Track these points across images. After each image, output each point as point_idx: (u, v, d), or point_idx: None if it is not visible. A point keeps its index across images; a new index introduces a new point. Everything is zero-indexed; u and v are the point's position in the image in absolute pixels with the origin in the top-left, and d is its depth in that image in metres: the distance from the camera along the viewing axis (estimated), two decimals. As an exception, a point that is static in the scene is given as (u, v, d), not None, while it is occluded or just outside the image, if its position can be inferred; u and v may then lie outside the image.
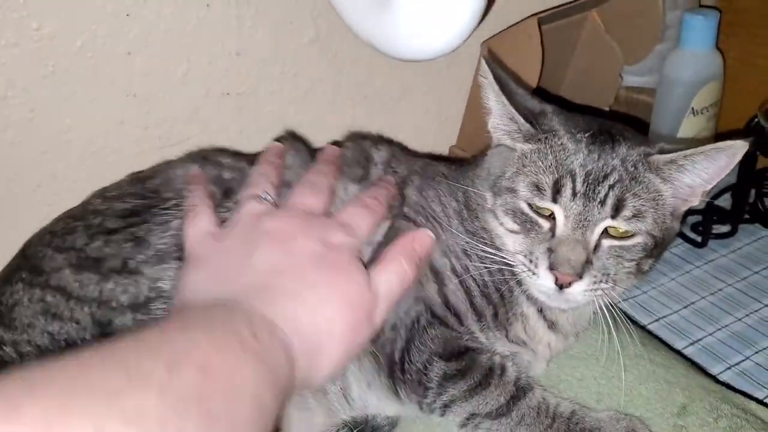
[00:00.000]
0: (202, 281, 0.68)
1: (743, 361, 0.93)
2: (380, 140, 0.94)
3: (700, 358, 0.94)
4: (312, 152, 0.90)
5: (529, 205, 0.75)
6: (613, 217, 0.72)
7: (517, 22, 1.05)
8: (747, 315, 1.01)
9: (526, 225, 0.75)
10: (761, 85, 1.20)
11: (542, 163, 0.75)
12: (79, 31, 0.86)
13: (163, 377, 0.46)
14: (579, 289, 0.72)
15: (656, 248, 0.76)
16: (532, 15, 1.02)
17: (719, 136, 1.24)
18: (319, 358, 0.63)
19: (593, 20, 1.12)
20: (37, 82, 0.87)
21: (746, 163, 1.15)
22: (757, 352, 0.94)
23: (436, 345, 0.73)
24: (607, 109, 1.25)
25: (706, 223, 1.14)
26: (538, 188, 0.74)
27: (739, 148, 0.71)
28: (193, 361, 0.49)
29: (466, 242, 0.79)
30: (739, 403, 0.78)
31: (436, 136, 1.20)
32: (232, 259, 0.69)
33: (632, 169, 0.73)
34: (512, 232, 0.77)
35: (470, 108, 1.16)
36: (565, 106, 0.84)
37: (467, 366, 0.72)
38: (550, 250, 0.73)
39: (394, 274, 0.71)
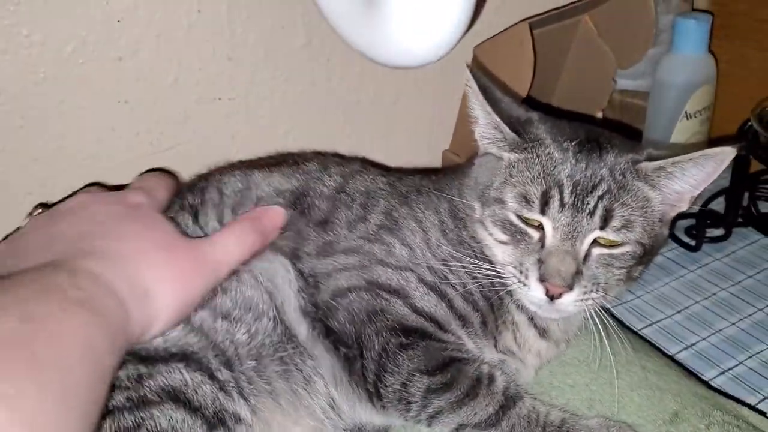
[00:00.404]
0: (11, 257, 0.67)
1: (737, 365, 0.93)
2: (337, 163, 0.91)
3: (693, 362, 0.93)
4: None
5: (518, 216, 0.75)
6: (602, 228, 0.72)
7: (509, 27, 1.04)
8: (741, 319, 1.00)
9: (516, 236, 0.75)
10: (754, 88, 1.20)
11: (530, 173, 0.74)
12: (70, 37, 0.86)
13: None
14: (570, 300, 0.72)
15: (646, 255, 0.76)
16: (524, 20, 1.02)
17: (712, 142, 1.24)
18: (152, 302, 0.65)
19: (586, 24, 1.12)
20: (27, 89, 0.86)
21: (739, 167, 1.15)
22: (750, 357, 0.94)
23: (415, 363, 0.72)
24: (600, 114, 1.25)
25: (700, 226, 1.14)
26: (526, 200, 0.74)
27: (727, 154, 0.71)
28: (13, 312, 0.52)
29: (450, 254, 0.79)
30: (730, 410, 0.78)
31: (430, 140, 1.19)
32: (39, 236, 0.69)
33: (620, 177, 0.73)
34: (501, 242, 0.77)
35: (463, 113, 1.15)
36: (553, 113, 0.83)
37: (453, 378, 0.71)
38: (540, 261, 0.73)
39: (232, 237, 0.75)
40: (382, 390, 0.72)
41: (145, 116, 0.95)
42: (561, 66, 1.17)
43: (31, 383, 0.49)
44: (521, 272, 0.74)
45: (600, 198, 0.71)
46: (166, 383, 0.66)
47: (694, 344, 0.96)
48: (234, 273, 0.76)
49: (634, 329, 0.98)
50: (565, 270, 0.71)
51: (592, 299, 0.74)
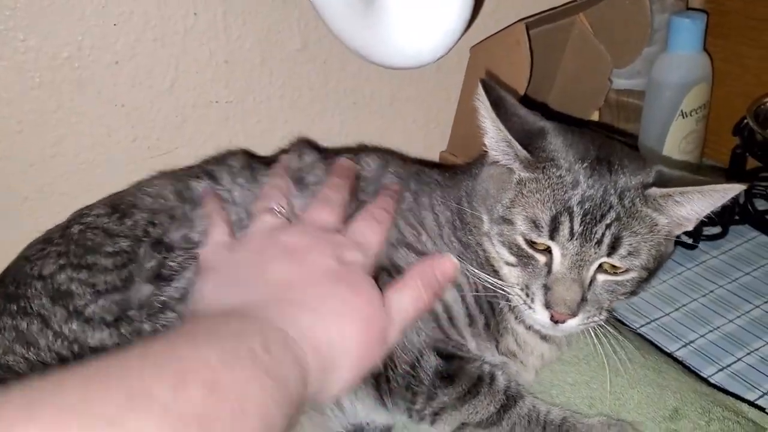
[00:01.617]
0: (214, 290, 0.67)
1: (735, 362, 0.93)
2: (369, 150, 0.93)
3: (692, 360, 0.93)
4: (323, 156, 0.90)
5: (526, 240, 0.74)
6: (609, 255, 0.72)
7: (505, 27, 1.04)
8: (738, 316, 1.01)
9: (523, 259, 0.75)
10: (750, 86, 1.20)
11: (540, 195, 0.73)
12: (66, 42, 0.86)
13: (167, 398, 0.44)
14: (574, 324, 0.73)
15: (650, 275, 0.76)
16: (520, 20, 1.02)
17: (707, 142, 1.24)
18: (332, 374, 0.62)
19: (581, 24, 1.12)
20: (23, 94, 0.87)
21: (736, 165, 1.15)
22: (749, 353, 0.94)
23: (425, 339, 0.72)
24: (597, 113, 1.25)
25: (697, 224, 1.14)
26: (535, 224, 0.73)
27: (735, 189, 0.71)
28: (200, 378, 0.47)
29: (461, 252, 0.79)
30: (730, 406, 0.78)
31: (427, 141, 1.20)
32: (246, 269, 0.68)
33: (629, 205, 0.72)
34: (508, 264, 0.77)
35: (460, 113, 1.16)
36: (547, 113, 0.83)
37: (456, 371, 0.72)
38: (546, 288, 0.73)
39: (408, 297, 0.70)
40: (391, 372, 0.72)
41: (141, 120, 0.95)
42: (557, 65, 1.17)
43: None
44: (527, 295, 0.75)
45: (608, 226, 0.71)
46: None
47: (692, 341, 0.97)
48: None
49: (633, 327, 0.98)
50: (570, 299, 0.72)
51: (595, 321, 0.75)
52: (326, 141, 1.10)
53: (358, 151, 0.95)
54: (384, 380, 0.73)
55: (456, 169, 0.91)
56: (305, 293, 0.65)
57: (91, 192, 0.91)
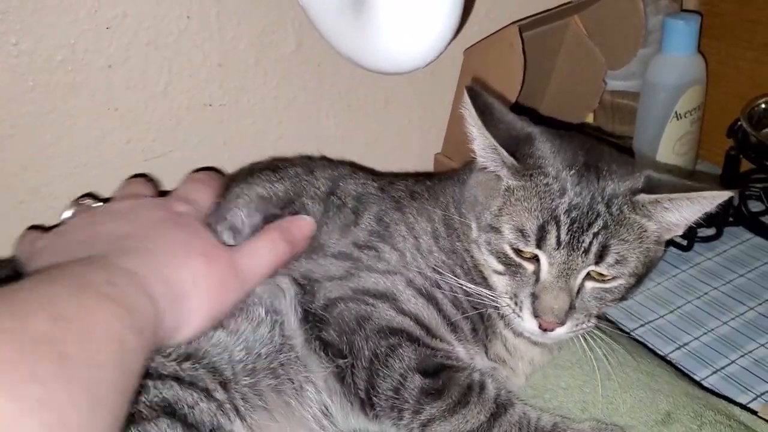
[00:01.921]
0: (52, 253, 0.68)
1: (729, 365, 0.93)
2: (325, 166, 0.91)
3: (686, 362, 0.94)
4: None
5: (513, 248, 0.75)
6: (597, 263, 0.72)
7: (498, 30, 1.05)
8: (733, 318, 1.01)
9: (511, 268, 0.76)
10: (744, 88, 1.21)
11: (527, 203, 0.73)
12: (59, 45, 0.86)
13: (14, 326, 0.49)
14: (562, 332, 0.74)
15: (639, 281, 0.76)
16: (513, 22, 1.02)
17: (703, 142, 1.24)
18: (186, 305, 0.65)
19: (575, 26, 1.13)
20: (17, 98, 0.86)
21: (730, 167, 1.15)
22: (743, 356, 0.94)
23: (406, 362, 0.72)
24: (591, 115, 1.25)
25: (691, 226, 1.14)
26: (522, 233, 0.73)
27: (723, 196, 0.71)
28: (46, 310, 0.52)
29: (442, 261, 0.79)
30: (722, 409, 0.78)
31: (421, 144, 1.20)
32: (82, 232, 0.70)
33: (617, 213, 0.72)
34: (496, 272, 0.77)
35: (454, 116, 1.16)
36: (536, 118, 0.83)
37: (444, 385, 0.71)
38: (534, 296, 0.73)
39: (263, 242, 0.76)
40: (374, 398, 0.72)
41: (135, 124, 0.95)
42: (551, 68, 1.17)
43: (62, 384, 0.49)
44: (516, 303, 0.75)
45: (596, 235, 0.71)
46: (163, 397, 0.66)
47: (686, 344, 0.97)
48: None
49: (627, 330, 0.98)
50: (558, 307, 0.72)
51: (584, 328, 0.75)
52: (320, 144, 1.10)
53: (314, 160, 0.96)
54: (368, 405, 0.73)
55: (441, 176, 0.91)
56: (142, 240, 0.68)
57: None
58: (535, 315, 0.73)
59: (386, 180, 0.90)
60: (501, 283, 0.77)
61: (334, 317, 0.75)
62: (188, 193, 0.82)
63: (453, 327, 0.78)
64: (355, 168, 0.95)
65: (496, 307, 0.77)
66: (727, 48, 1.25)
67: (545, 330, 0.73)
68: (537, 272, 0.74)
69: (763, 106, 1.15)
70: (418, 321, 0.76)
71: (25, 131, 0.88)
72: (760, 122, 1.14)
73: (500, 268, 0.76)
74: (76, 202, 0.81)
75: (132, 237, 0.68)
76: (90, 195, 0.83)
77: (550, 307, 0.72)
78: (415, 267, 0.79)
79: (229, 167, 1.01)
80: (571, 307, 0.73)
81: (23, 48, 0.84)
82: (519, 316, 0.75)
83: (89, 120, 0.92)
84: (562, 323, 0.73)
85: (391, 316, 0.75)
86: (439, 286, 0.78)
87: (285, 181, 0.87)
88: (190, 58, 0.95)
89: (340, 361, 0.74)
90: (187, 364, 0.69)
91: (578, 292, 0.73)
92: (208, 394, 0.68)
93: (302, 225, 0.81)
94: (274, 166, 0.90)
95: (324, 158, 1.05)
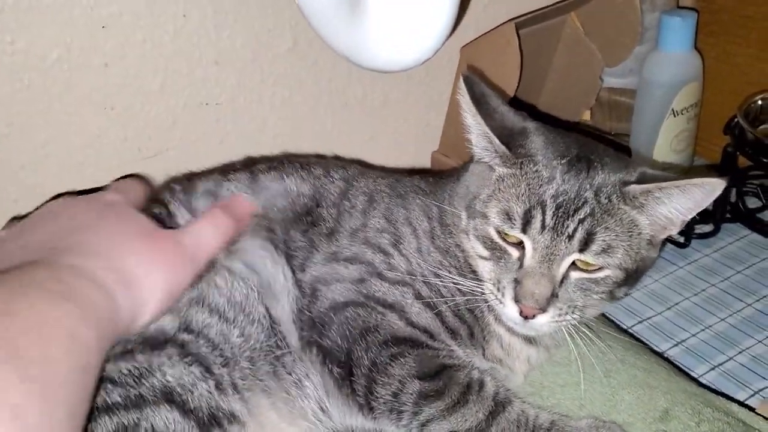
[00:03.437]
0: None
1: (727, 361, 0.93)
2: (337, 166, 0.91)
3: (684, 359, 0.94)
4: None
5: (498, 232, 0.75)
6: (581, 251, 0.72)
7: (495, 27, 1.04)
8: (730, 315, 1.01)
9: (496, 252, 0.76)
10: (740, 84, 1.21)
11: (515, 190, 0.74)
12: (54, 44, 0.86)
13: None
14: (543, 321, 0.74)
15: (629, 278, 0.75)
16: (510, 19, 1.02)
17: (700, 138, 1.24)
18: (139, 288, 0.65)
19: (572, 23, 1.13)
20: (12, 97, 0.86)
21: (727, 163, 1.15)
22: (740, 352, 0.95)
23: (406, 369, 0.72)
24: (588, 113, 1.26)
25: (689, 222, 1.14)
26: (508, 216, 0.74)
27: (714, 185, 0.70)
28: None
29: (439, 261, 0.80)
30: (720, 406, 0.78)
31: (418, 142, 1.19)
32: (12, 245, 0.68)
33: (605, 201, 0.72)
34: (482, 258, 0.77)
35: (451, 114, 1.16)
36: (534, 114, 0.83)
37: (444, 385, 0.72)
38: (517, 281, 0.73)
39: (206, 220, 0.77)
40: (373, 402, 0.72)
41: (132, 122, 0.95)
42: (548, 65, 1.17)
43: (16, 378, 0.49)
44: (498, 290, 0.75)
45: (581, 221, 0.71)
46: (163, 382, 0.67)
47: (684, 340, 0.97)
48: (230, 274, 0.76)
49: (625, 326, 0.98)
50: (539, 293, 0.72)
51: (567, 320, 0.75)
52: (317, 142, 1.10)
53: (329, 161, 0.95)
54: (367, 408, 0.73)
55: (441, 174, 0.91)
56: (81, 234, 0.67)
57: (82, 193, 0.91)
58: (516, 300, 0.73)
59: (395, 177, 0.91)
60: (486, 269, 0.77)
61: (339, 321, 0.75)
62: (116, 186, 0.83)
63: (453, 334, 0.78)
64: (365, 166, 0.95)
65: (485, 300, 0.77)
66: (724, 45, 1.25)
67: (526, 317, 0.73)
68: (521, 258, 0.74)
69: (759, 102, 1.15)
70: (423, 329, 0.77)
71: (21, 130, 0.88)
72: (756, 119, 1.14)
73: (485, 253, 0.77)
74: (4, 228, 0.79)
75: (66, 233, 0.68)
76: (16, 218, 0.80)
77: (531, 292, 0.72)
78: (419, 274, 0.79)
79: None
80: (554, 295, 0.72)
81: (19, 47, 0.84)
82: (501, 302, 0.75)
83: (85, 119, 0.91)
84: (543, 310, 0.72)
85: (398, 327, 0.76)
86: (441, 295, 0.78)
87: (312, 182, 0.87)
88: (187, 56, 0.95)
89: (337, 370, 0.74)
90: (186, 336, 0.71)
91: (563, 281, 0.73)
92: (207, 370, 0.69)
93: (242, 202, 0.82)
94: (297, 163, 0.89)
95: (336, 158, 1.06)
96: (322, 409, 0.76)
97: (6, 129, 0.87)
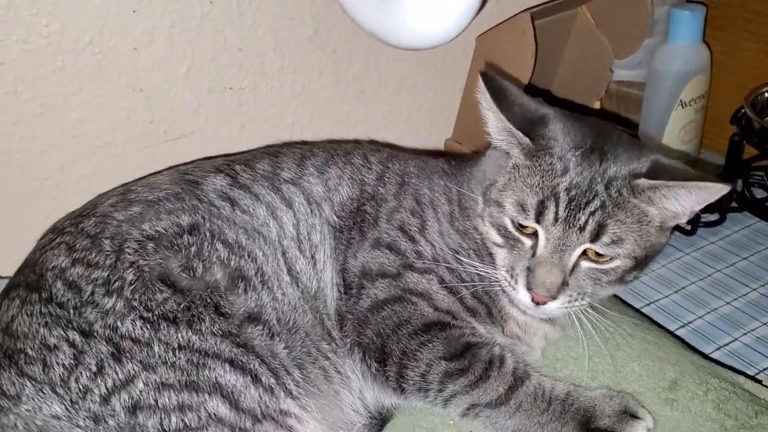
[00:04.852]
0: None
1: (732, 342, 0.96)
2: (372, 151, 0.94)
3: (690, 339, 0.97)
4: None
5: (513, 222, 0.77)
6: (593, 241, 0.74)
7: (510, 17, 1.07)
8: (735, 299, 1.04)
9: (510, 241, 0.78)
10: (747, 77, 1.23)
11: (530, 180, 0.76)
12: (87, 27, 0.89)
13: None
14: (554, 306, 0.76)
15: (639, 264, 0.78)
16: (525, 10, 1.05)
17: (707, 131, 1.27)
18: None
19: (584, 16, 1.15)
20: (46, 78, 0.89)
21: (734, 153, 1.18)
22: (745, 333, 0.97)
23: (433, 352, 0.77)
24: (598, 103, 1.28)
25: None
26: (522, 207, 0.76)
27: (719, 189, 0.73)
28: None
29: (459, 244, 0.83)
30: (727, 377, 0.81)
31: (432, 129, 1.22)
32: None
33: (616, 194, 0.74)
34: (497, 245, 0.80)
35: (465, 101, 1.18)
36: (550, 99, 0.85)
37: (469, 363, 0.76)
38: (529, 270, 0.76)
39: None
40: (404, 384, 0.77)
41: (158, 105, 0.98)
42: (560, 56, 1.20)
43: None
44: (512, 276, 0.78)
45: (592, 214, 0.73)
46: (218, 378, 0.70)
47: (690, 322, 1.00)
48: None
49: (635, 307, 1.01)
50: (550, 282, 0.75)
51: (577, 306, 0.77)
52: (335, 127, 1.13)
53: (363, 145, 0.97)
54: (399, 390, 0.78)
55: (464, 157, 0.94)
56: None
57: (109, 172, 0.94)
58: (528, 288, 0.76)
59: (424, 159, 0.93)
60: (500, 256, 0.80)
61: (376, 321, 0.79)
62: None
63: (473, 313, 0.82)
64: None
65: (498, 282, 0.80)
66: (732, 39, 1.27)
67: (537, 303, 0.76)
68: (534, 247, 0.76)
69: (766, 94, 1.18)
70: (447, 312, 0.80)
71: (53, 110, 0.91)
72: (763, 110, 1.17)
73: (500, 240, 0.79)
74: None
75: None
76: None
77: (542, 281, 0.75)
78: (442, 259, 0.83)
79: (247, 149, 1.03)
80: (564, 284, 0.75)
81: (53, 29, 0.87)
82: (514, 288, 0.78)
83: (114, 101, 0.95)
84: (553, 298, 0.75)
85: (428, 313, 0.80)
86: (462, 279, 0.82)
87: (356, 180, 0.89)
88: (212, 42, 0.98)
89: (375, 365, 0.79)
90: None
91: (573, 270, 0.76)
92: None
93: None
94: (337, 152, 0.92)
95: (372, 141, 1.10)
96: (360, 399, 0.81)
97: (39, 109, 0.90)
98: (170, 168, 0.91)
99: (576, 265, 0.76)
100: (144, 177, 0.89)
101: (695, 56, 1.19)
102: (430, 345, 0.77)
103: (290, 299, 0.79)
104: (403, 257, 0.82)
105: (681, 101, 1.20)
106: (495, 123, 0.79)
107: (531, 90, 0.98)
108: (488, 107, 0.78)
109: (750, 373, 0.91)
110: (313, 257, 0.83)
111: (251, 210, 0.82)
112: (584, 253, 0.75)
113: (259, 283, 0.77)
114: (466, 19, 0.80)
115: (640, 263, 0.78)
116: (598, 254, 0.75)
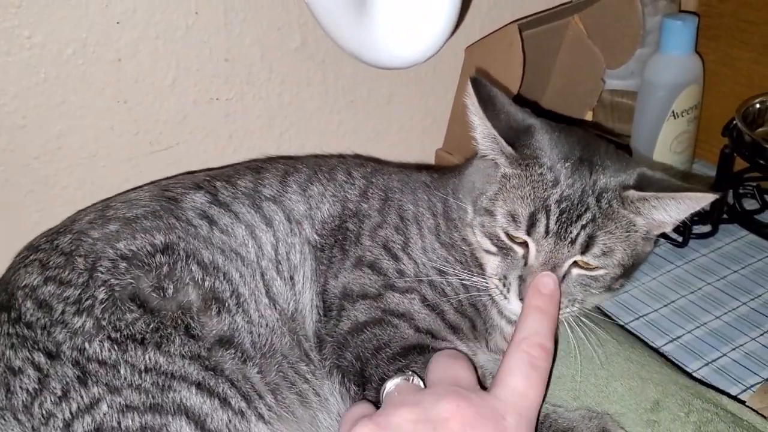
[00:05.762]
0: None
1: (720, 357, 0.95)
2: (356, 165, 0.93)
3: (678, 354, 0.96)
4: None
5: (505, 233, 0.77)
6: (583, 252, 0.74)
7: (499, 28, 1.07)
8: (725, 313, 1.03)
9: (502, 250, 0.78)
10: (740, 88, 1.22)
11: (521, 191, 0.76)
12: (70, 39, 0.89)
13: None
14: None
15: (626, 272, 0.79)
16: (514, 21, 1.05)
17: (700, 140, 1.26)
18: None
19: (575, 26, 1.15)
20: (28, 90, 0.89)
21: (724, 165, 1.17)
22: (734, 349, 0.96)
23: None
24: (590, 113, 1.27)
25: (687, 223, 1.16)
26: (513, 219, 0.76)
27: (707, 199, 0.74)
28: None
29: (444, 258, 0.82)
30: (710, 398, 0.80)
31: (423, 139, 1.22)
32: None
33: (606, 207, 0.74)
34: (489, 253, 0.80)
35: (456, 112, 1.18)
36: (538, 110, 0.85)
37: None
38: (522, 279, 0.76)
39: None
40: (368, 393, 0.76)
41: (143, 116, 0.97)
42: (551, 67, 1.19)
43: None
44: (504, 285, 0.78)
45: (583, 227, 0.73)
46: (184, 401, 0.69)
47: (679, 337, 0.99)
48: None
49: (621, 323, 1.00)
50: None
51: (567, 313, 0.78)
52: (324, 139, 1.12)
53: (347, 160, 0.97)
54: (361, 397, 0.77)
55: (445, 169, 0.94)
56: None
57: (93, 185, 0.94)
58: (521, 297, 0.75)
59: (407, 172, 0.93)
60: (492, 264, 0.80)
61: (355, 344, 0.78)
62: (515, 391, 0.65)
63: (454, 330, 0.81)
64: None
65: (488, 292, 0.80)
66: (724, 48, 1.26)
67: None
68: (526, 256, 0.76)
69: (758, 105, 1.17)
70: (428, 332, 0.79)
71: (36, 122, 0.91)
72: (754, 122, 1.16)
73: (492, 249, 0.79)
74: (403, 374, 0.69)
75: None
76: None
77: None
78: (425, 275, 0.82)
79: (234, 161, 1.03)
80: None
81: (36, 41, 0.87)
82: (506, 297, 0.77)
83: (98, 112, 0.94)
84: None
85: (408, 335, 0.78)
86: (445, 294, 0.81)
87: (338, 196, 0.88)
88: (198, 52, 0.97)
89: (354, 388, 0.78)
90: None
91: (563, 277, 0.76)
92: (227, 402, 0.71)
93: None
94: (319, 167, 0.91)
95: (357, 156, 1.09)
96: (338, 421, 0.79)
97: (22, 121, 0.90)
98: (152, 183, 0.90)
99: (567, 273, 0.76)
100: (125, 192, 0.88)
101: (688, 66, 1.18)
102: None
103: (268, 321, 0.78)
104: (385, 277, 0.82)
105: (673, 112, 1.19)
106: (481, 129, 0.79)
107: (520, 100, 0.97)
108: (475, 112, 0.78)
109: (737, 389, 0.90)
110: (291, 279, 0.82)
111: (229, 230, 0.81)
112: (574, 261, 0.75)
113: (234, 305, 0.76)
114: (441, 38, 0.79)
115: (628, 270, 0.79)
116: (587, 263, 0.75)
